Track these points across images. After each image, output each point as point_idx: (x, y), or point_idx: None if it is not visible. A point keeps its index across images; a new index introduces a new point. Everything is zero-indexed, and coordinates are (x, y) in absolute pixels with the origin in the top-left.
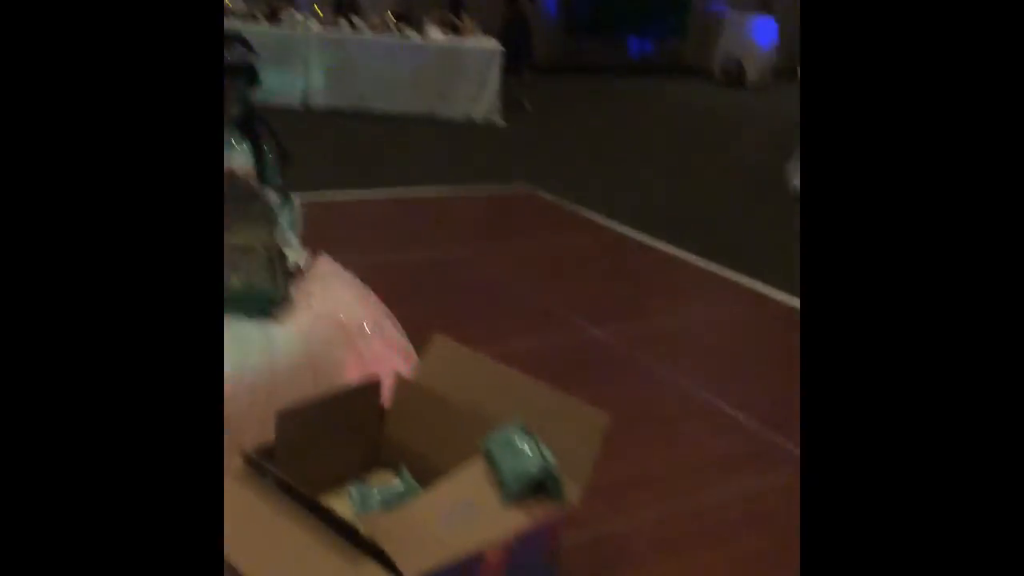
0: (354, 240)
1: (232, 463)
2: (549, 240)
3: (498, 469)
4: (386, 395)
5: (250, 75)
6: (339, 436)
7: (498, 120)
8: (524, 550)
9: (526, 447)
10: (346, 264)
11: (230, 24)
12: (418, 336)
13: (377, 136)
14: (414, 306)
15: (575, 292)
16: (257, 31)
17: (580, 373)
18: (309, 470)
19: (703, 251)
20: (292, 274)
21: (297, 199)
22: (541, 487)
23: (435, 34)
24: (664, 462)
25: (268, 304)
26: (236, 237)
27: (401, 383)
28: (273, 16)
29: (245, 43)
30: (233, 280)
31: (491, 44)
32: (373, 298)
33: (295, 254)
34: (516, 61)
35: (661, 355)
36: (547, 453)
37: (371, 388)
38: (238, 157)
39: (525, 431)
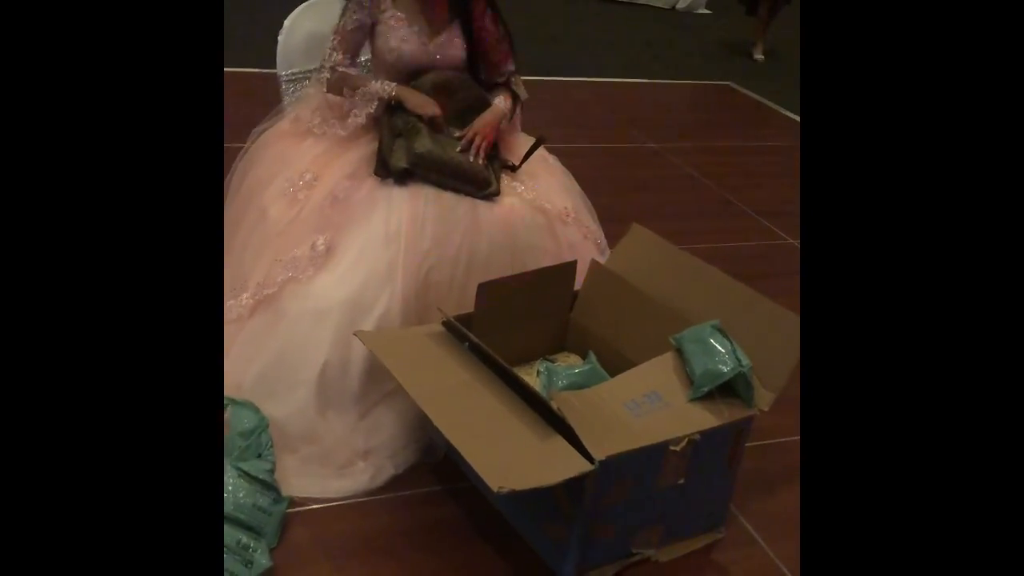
0: (553, 124)
1: (433, 326)
2: (748, 138)
3: (689, 366)
4: (580, 282)
5: None
6: (532, 315)
7: (702, 8)
8: (707, 449)
9: (720, 347)
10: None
11: None
12: (610, 228)
13: (579, 17)
14: (607, 196)
15: (771, 195)
16: None
17: (775, 280)
18: (502, 343)
19: None
20: (505, 164)
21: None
22: (731, 389)
23: None
24: None
25: (482, 188)
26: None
27: (595, 270)
28: None
29: None
30: (456, 159)
31: None
32: (576, 187)
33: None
34: None
35: None
36: (742, 356)
37: (566, 272)
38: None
39: (721, 331)
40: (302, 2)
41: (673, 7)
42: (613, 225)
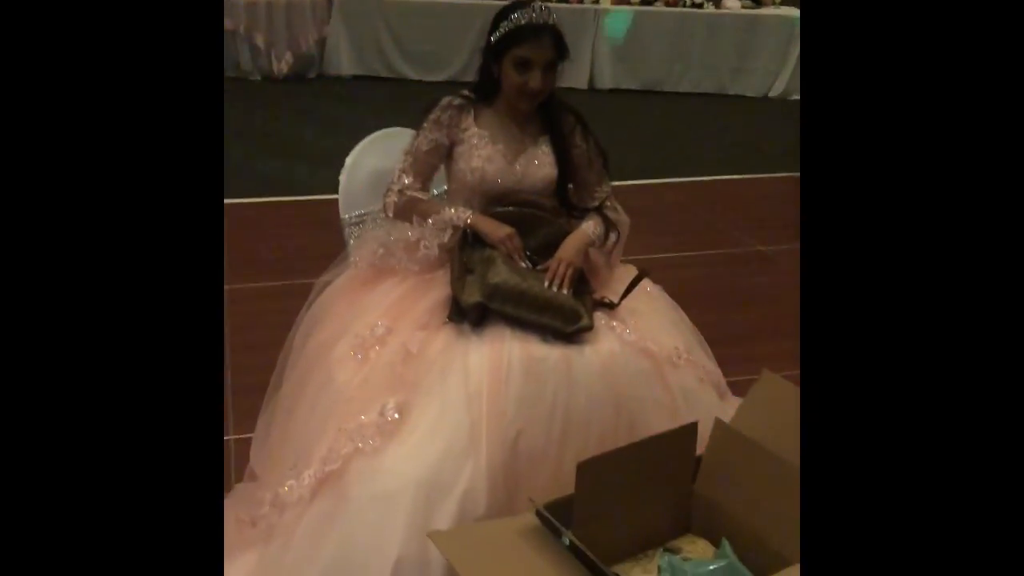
0: (647, 232)
1: (524, 518)
2: None
3: None
4: (702, 441)
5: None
6: (646, 492)
7: (796, 94)
8: None
9: None
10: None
11: None
12: (719, 352)
13: (666, 116)
14: (715, 312)
15: None
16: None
17: None
18: (611, 530)
19: None
20: (601, 302)
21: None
22: None
23: (731, 2)
24: None
25: (569, 321)
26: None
27: (721, 430)
28: None
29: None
30: (536, 289)
31: (793, 12)
32: (686, 320)
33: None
34: None
35: None
36: None
37: (685, 436)
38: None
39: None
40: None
41: (765, 95)
42: (723, 348)
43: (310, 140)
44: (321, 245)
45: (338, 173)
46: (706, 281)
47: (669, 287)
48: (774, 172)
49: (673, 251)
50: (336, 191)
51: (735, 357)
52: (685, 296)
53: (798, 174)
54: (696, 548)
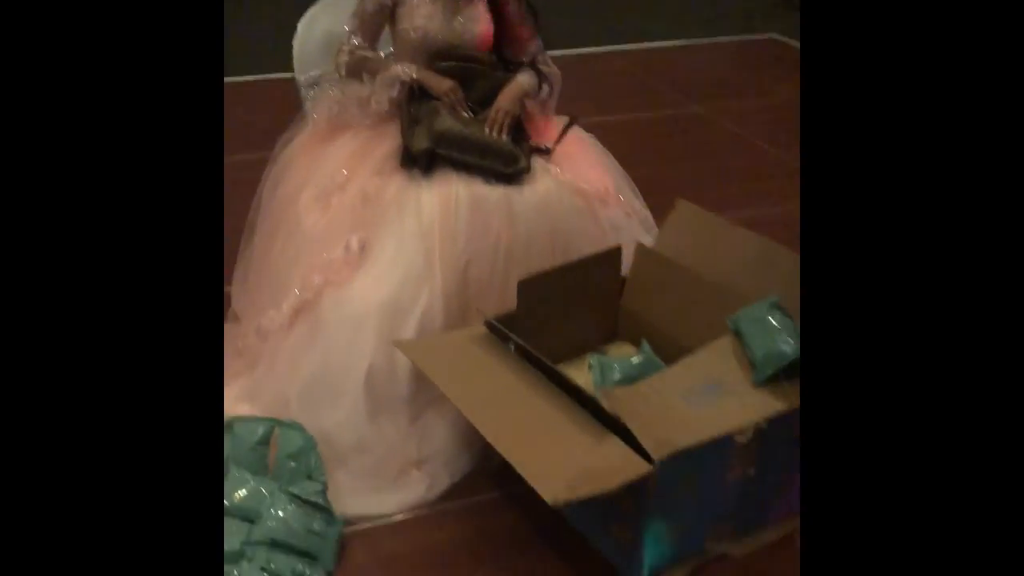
0: (590, 97)
1: (475, 328)
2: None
3: (749, 349)
4: (626, 265)
5: None
6: (579, 306)
7: None
8: (776, 436)
9: (780, 325)
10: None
11: None
12: (655, 200)
13: None
14: (651, 168)
15: None
16: None
17: None
18: (549, 339)
19: None
20: (537, 147)
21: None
22: (796, 369)
23: None
24: None
25: (508, 163)
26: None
27: (642, 252)
28: None
29: None
30: (478, 135)
31: None
32: (614, 163)
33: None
34: None
35: None
36: None
37: (611, 257)
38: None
39: (780, 308)
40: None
41: None
42: (658, 198)
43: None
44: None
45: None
46: (646, 140)
47: (621, 146)
48: (714, 37)
49: (612, 114)
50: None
51: (669, 206)
52: (622, 155)
53: (738, 37)
54: (622, 351)
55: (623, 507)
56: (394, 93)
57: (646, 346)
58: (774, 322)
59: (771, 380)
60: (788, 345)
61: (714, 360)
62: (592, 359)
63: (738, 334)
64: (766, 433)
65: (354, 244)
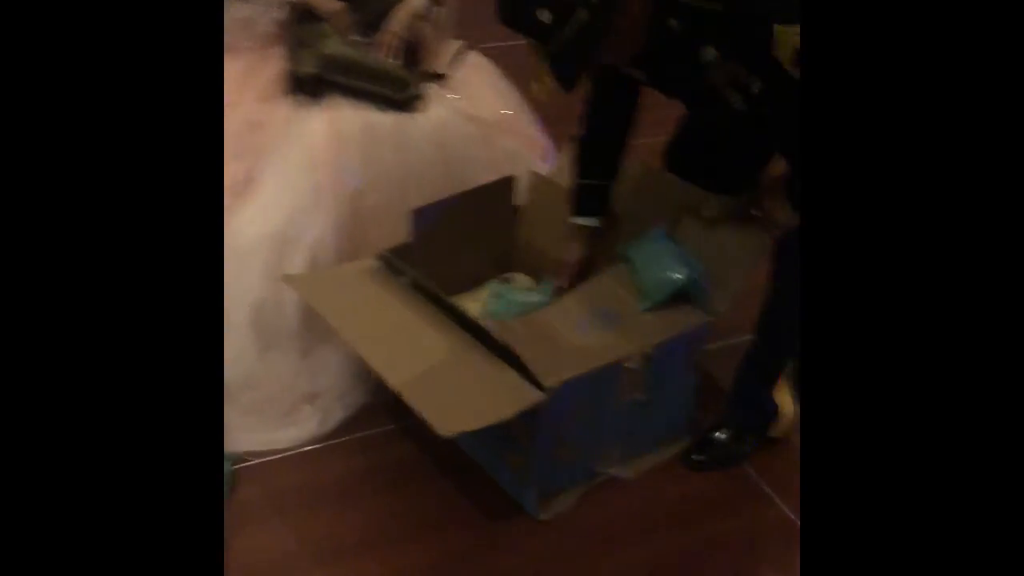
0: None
1: (368, 262)
2: None
3: (639, 277)
4: (522, 194)
5: None
6: (473, 236)
7: None
8: (665, 360)
9: (669, 254)
10: (478, 48)
11: None
12: (559, 130)
13: None
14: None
15: None
16: None
17: None
18: (443, 270)
19: None
20: (430, 73)
21: None
22: (685, 295)
23: None
24: None
25: (399, 88)
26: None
27: (536, 181)
28: None
29: None
30: (368, 59)
31: None
32: (511, 91)
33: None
34: None
35: None
36: (693, 260)
37: (505, 186)
38: None
39: (669, 237)
40: None
41: None
42: (561, 127)
43: None
44: None
45: None
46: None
47: (517, 71)
48: None
49: (516, 39)
50: None
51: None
52: (524, 80)
53: None
54: (517, 280)
55: (516, 435)
56: (279, 14)
57: (547, 286)
58: (663, 250)
59: (660, 306)
60: (675, 272)
61: (605, 289)
62: (490, 285)
63: (628, 262)
64: (654, 358)
65: (239, 174)
